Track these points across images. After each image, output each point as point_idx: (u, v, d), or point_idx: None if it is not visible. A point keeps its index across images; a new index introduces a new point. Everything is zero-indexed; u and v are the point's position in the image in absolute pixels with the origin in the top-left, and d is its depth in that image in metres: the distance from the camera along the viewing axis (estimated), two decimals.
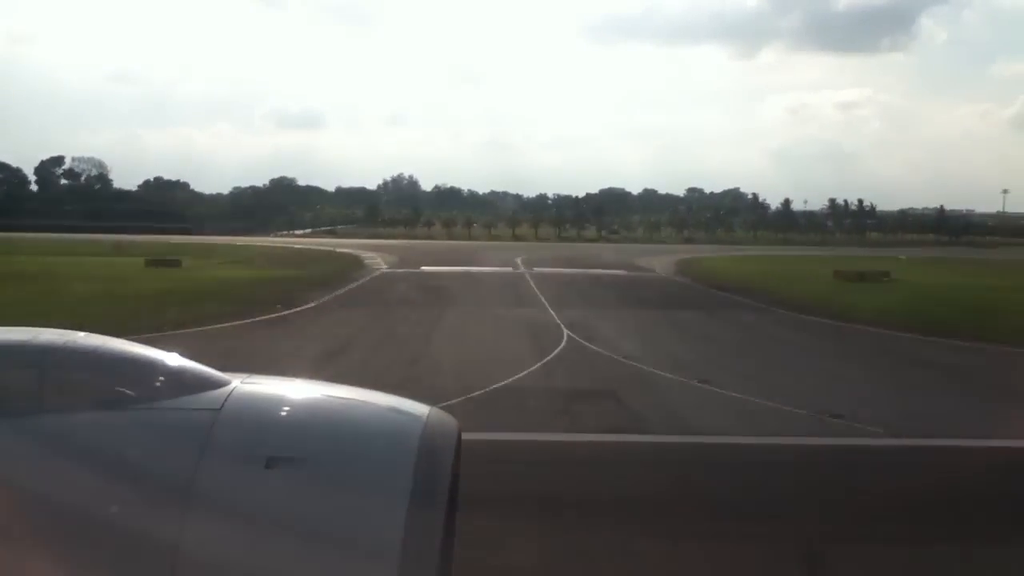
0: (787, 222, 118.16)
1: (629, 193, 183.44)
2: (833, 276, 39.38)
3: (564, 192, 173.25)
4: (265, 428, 2.02)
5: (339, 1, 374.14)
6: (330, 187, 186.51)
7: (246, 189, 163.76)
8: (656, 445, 10.95)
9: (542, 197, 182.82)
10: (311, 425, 2.06)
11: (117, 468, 1.89)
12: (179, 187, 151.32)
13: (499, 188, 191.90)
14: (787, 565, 7.22)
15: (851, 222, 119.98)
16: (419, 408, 2.18)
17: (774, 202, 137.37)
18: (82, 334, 2.26)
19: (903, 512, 8.38)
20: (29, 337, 2.20)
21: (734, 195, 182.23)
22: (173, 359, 2.24)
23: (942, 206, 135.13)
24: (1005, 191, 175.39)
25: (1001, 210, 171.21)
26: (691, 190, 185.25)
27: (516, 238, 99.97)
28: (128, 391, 2.06)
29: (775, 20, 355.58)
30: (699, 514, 8.16)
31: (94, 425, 1.98)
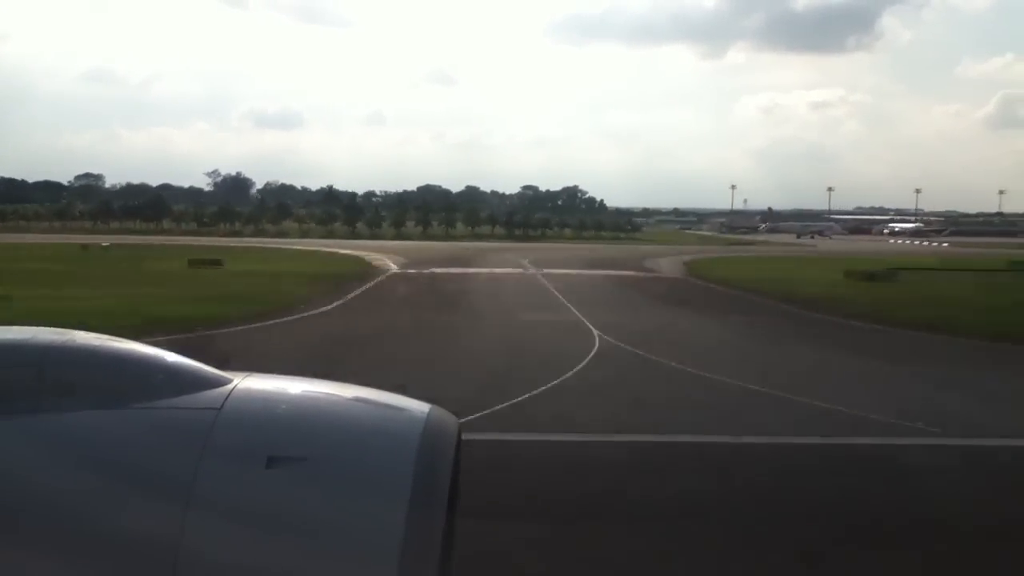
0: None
1: (448, 191, 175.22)
2: None
3: (390, 189, 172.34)
4: (266, 427, 2.01)
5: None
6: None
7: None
8: (656, 445, 10.96)
9: (369, 194, 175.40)
10: (312, 424, 2.06)
11: (117, 468, 1.88)
12: None
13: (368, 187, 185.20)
14: (786, 565, 7.22)
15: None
16: (419, 407, 2.17)
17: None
18: (81, 333, 2.25)
19: (902, 512, 8.39)
20: (27, 336, 2.20)
21: (570, 192, 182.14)
22: (173, 358, 2.23)
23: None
24: (1001, 192, 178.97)
25: (998, 210, 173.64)
26: (526, 187, 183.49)
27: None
28: (127, 390, 2.05)
29: (739, 20, 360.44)
30: (698, 514, 8.17)
31: (93, 424, 1.97)
